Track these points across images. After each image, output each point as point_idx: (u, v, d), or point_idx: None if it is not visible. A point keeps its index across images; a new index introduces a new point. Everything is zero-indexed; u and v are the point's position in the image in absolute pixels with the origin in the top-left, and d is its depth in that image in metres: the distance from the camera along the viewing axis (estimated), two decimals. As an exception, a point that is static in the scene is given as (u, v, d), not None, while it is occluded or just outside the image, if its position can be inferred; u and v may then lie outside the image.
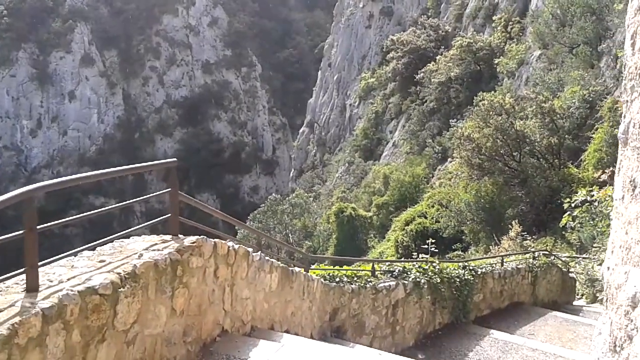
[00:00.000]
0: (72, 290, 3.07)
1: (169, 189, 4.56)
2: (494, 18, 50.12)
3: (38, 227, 3.21)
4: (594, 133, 25.91)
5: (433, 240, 12.28)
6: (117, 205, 4.15)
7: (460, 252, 26.74)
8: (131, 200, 4.61)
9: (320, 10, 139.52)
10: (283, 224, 36.14)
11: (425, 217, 29.38)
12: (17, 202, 3.10)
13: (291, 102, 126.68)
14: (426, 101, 52.81)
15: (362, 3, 79.60)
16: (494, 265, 12.77)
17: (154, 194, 4.78)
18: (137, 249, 4.06)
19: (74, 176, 3.63)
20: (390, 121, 62.69)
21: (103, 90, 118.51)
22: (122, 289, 3.39)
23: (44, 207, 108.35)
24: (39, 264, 3.30)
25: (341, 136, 79.29)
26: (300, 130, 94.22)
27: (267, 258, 5.81)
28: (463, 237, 26.29)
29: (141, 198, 4.71)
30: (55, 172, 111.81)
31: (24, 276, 3.13)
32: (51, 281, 3.24)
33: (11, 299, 2.95)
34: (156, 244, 4.24)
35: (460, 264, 11.59)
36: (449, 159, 44.60)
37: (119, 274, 3.46)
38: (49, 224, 3.38)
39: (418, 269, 10.10)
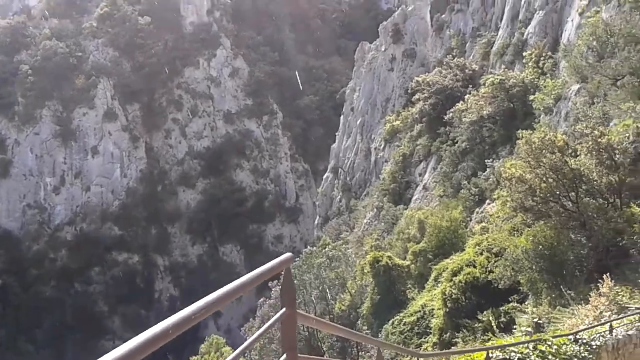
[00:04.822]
0: None
1: (284, 310, 2.63)
2: (524, 54, 48.59)
3: None
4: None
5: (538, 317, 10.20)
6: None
7: (516, 304, 24.40)
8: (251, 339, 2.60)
9: (338, 57, 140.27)
10: (319, 279, 34.06)
11: (475, 266, 27.06)
12: None
13: (313, 148, 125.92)
14: (457, 141, 50.92)
15: (384, 46, 78.97)
16: (604, 334, 10.57)
17: (272, 321, 2.77)
18: None
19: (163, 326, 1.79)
20: (418, 163, 60.79)
21: (126, 144, 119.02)
22: None
23: (67, 265, 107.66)
24: None
25: (367, 180, 77.51)
26: (324, 176, 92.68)
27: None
28: (519, 287, 23.90)
29: (260, 331, 2.61)
30: (78, 229, 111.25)
31: None
32: None
33: None
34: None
35: (570, 336, 9.44)
36: (487, 201, 42.42)
37: None
38: None
39: (537, 354, 7.99)
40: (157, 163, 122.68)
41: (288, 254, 3.29)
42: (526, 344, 8.30)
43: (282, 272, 3.23)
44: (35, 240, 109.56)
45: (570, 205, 24.07)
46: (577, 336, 9.33)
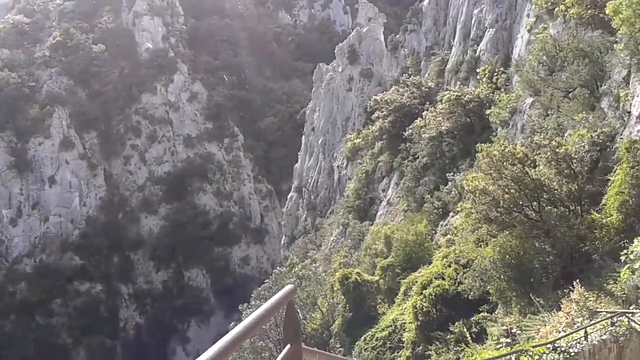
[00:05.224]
0: None
1: (289, 348, 2.76)
2: (477, 70, 50.04)
3: None
4: (611, 175, 24.86)
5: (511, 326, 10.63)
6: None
7: (487, 314, 24.99)
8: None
9: (297, 79, 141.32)
10: (290, 299, 34.10)
11: (443, 279, 27.61)
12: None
13: (276, 169, 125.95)
14: (418, 157, 51.89)
15: (341, 67, 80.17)
16: (580, 340, 11.01)
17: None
18: None
19: None
20: (381, 179, 61.63)
21: (84, 172, 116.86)
22: None
23: (27, 298, 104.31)
24: None
25: (331, 198, 78.01)
26: (289, 196, 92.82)
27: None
28: (489, 297, 24.51)
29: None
30: (37, 261, 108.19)
31: None
32: None
33: None
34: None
35: (549, 345, 9.86)
36: (451, 214, 43.28)
37: None
38: None
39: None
40: (117, 190, 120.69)
41: (290, 286, 3.13)
42: (508, 356, 8.65)
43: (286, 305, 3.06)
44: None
45: (534, 214, 24.90)
46: (556, 344, 9.73)
